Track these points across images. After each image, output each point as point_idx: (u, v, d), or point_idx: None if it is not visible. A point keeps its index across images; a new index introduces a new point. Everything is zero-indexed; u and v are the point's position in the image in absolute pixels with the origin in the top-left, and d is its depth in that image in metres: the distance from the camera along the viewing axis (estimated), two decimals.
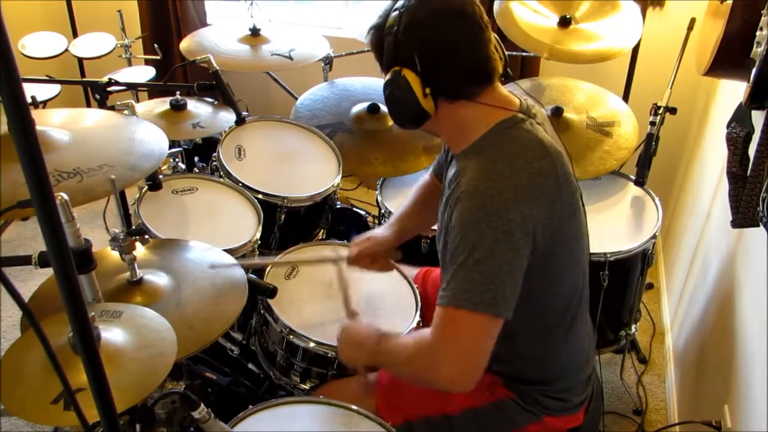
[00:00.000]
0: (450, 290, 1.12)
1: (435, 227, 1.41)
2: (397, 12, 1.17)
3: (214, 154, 1.93)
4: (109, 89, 1.79)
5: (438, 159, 1.57)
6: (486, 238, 1.10)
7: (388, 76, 1.19)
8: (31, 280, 2.35)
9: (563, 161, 1.21)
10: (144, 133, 1.40)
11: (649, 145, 1.99)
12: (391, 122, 2.20)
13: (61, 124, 1.37)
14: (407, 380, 1.31)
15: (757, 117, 1.34)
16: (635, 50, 2.39)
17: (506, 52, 1.25)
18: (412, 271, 1.75)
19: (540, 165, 1.16)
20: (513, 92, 1.27)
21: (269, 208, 1.84)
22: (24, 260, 1.06)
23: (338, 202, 2.15)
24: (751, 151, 1.31)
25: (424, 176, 1.65)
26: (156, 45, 2.74)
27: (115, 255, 1.26)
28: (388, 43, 1.17)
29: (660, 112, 2.01)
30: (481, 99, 1.20)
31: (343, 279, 1.57)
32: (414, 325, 1.53)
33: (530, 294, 1.16)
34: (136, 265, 1.26)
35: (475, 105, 1.20)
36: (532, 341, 1.29)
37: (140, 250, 1.39)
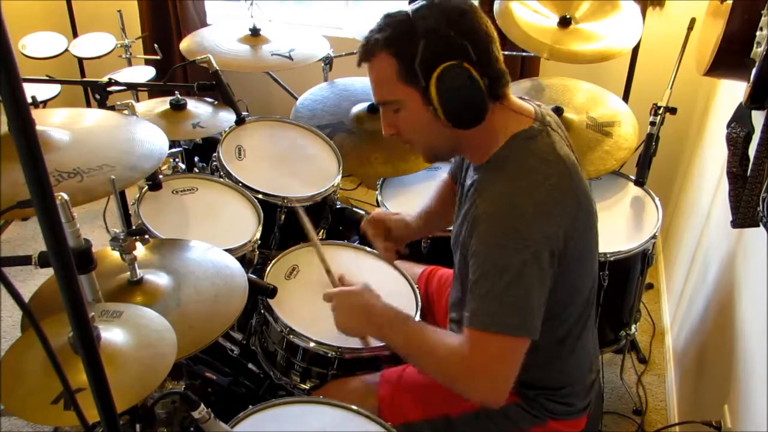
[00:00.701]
0: (480, 313, 1.12)
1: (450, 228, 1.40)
2: (419, 15, 1.12)
3: (214, 154, 1.93)
4: (109, 89, 1.79)
5: (455, 161, 1.57)
6: (514, 261, 1.09)
7: (442, 73, 1.11)
8: (31, 280, 2.35)
9: (580, 174, 1.20)
10: (144, 133, 1.40)
11: (649, 145, 2.00)
12: None
13: (61, 124, 1.37)
14: (431, 376, 1.29)
15: (757, 117, 1.34)
16: (635, 50, 2.39)
17: (503, 53, 1.24)
18: (416, 269, 1.75)
19: (558, 180, 1.15)
20: (524, 99, 1.26)
21: (269, 208, 1.84)
22: (24, 260, 1.06)
23: (338, 202, 2.15)
24: (751, 151, 1.31)
25: (443, 176, 1.64)
26: (156, 45, 2.74)
27: (115, 255, 1.26)
28: (430, 43, 1.11)
29: (660, 112, 2.01)
30: (508, 103, 1.19)
31: (320, 251, 1.53)
32: None
33: (548, 308, 1.16)
34: (136, 265, 1.26)
35: (504, 109, 1.19)
36: (545, 351, 1.28)
37: (140, 250, 1.39)
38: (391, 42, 1.15)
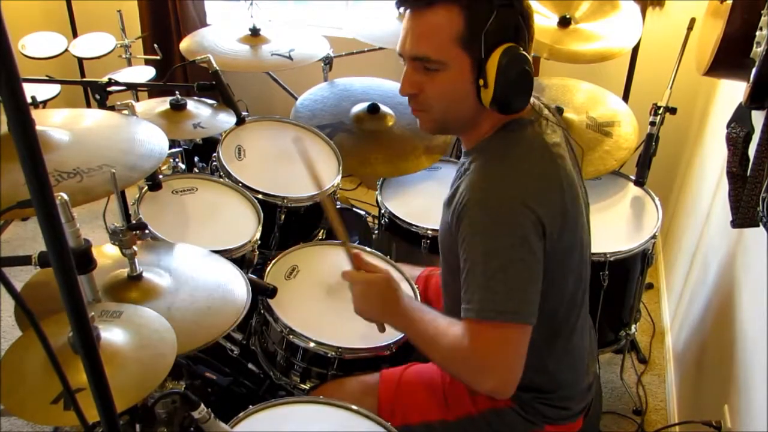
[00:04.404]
0: (474, 302, 1.10)
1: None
2: None
3: (214, 154, 1.93)
4: (109, 89, 1.79)
5: None
6: (502, 245, 1.08)
7: (505, 53, 1.07)
8: None
9: (569, 166, 1.20)
10: (144, 133, 1.40)
11: (649, 145, 1.99)
12: (391, 122, 2.20)
13: (61, 124, 1.37)
14: (440, 367, 1.28)
15: (757, 117, 1.34)
16: (635, 50, 2.39)
17: None
18: (414, 272, 1.75)
19: (544, 170, 1.14)
20: None
21: (269, 208, 1.84)
22: (24, 260, 1.06)
23: (338, 202, 2.15)
24: (751, 151, 1.31)
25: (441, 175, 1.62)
26: (156, 45, 2.74)
27: (115, 253, 1.26)
28: (502, 17, 1.07)
29: (660, 112, 2.01)
30: None
31: (333, 209, 1.43)
32: None
33: None
34: (136, 260, 1.26)
35: None
36: (537, 348, 1.27)
37: (141, 250, 1.39)
38: (464, 0, 1.08)
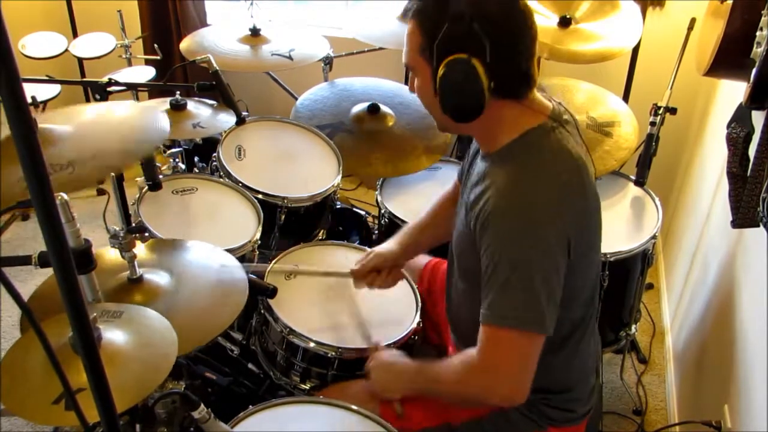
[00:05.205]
0: (494, 309, 1.13)
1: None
2: None
3: (214, 154, 1.93)
4: (109, 89, 1.79)
5: (462, 165, 1.54)
6: (526, 257, 1.11)
7: (448, 65, 1.11)
8: (31, 280, 2.34)
9: (590, 173, 1.21)
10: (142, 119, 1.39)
11: (649, 145, 2.00)
12: (391, 122, 2.20)
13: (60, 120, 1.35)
14: (457, 403, 1.32)
15: (757, 117, 1.34)
16: (635, 50, 2.39)
17: None
18: (420, 260, 1.74)
19: (568, 178, 1.16)
20: (544, 96, 1.26)
21: (269, 208, 1.84)
22: (24, 260, 1.06)
23: (338, 202, 2.15)
24: (751, 151, 1.31)
25: (447, 188, 1.62)
26: (156, 45, 2.74)
27: (115, 254, 1.26)
28: (452, 29, 1.10)
29: (660, 112, 2.01)
30: (525, 101, 1.19)
31: (358, 309, 1.55)
32: (414, 325, 1.53)
33: None
34: (136, 263, 1.25)
35: (517, 106, 1.18)
36: (548, 349, 1.28)
37: (141, 251, 1.39)
38: (419, 15, 1.16)
